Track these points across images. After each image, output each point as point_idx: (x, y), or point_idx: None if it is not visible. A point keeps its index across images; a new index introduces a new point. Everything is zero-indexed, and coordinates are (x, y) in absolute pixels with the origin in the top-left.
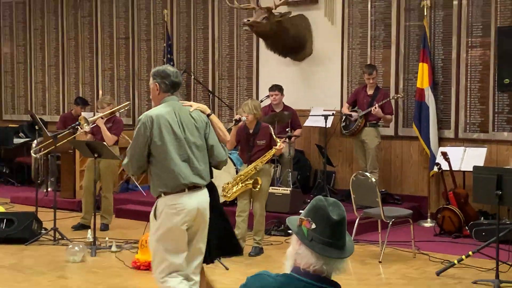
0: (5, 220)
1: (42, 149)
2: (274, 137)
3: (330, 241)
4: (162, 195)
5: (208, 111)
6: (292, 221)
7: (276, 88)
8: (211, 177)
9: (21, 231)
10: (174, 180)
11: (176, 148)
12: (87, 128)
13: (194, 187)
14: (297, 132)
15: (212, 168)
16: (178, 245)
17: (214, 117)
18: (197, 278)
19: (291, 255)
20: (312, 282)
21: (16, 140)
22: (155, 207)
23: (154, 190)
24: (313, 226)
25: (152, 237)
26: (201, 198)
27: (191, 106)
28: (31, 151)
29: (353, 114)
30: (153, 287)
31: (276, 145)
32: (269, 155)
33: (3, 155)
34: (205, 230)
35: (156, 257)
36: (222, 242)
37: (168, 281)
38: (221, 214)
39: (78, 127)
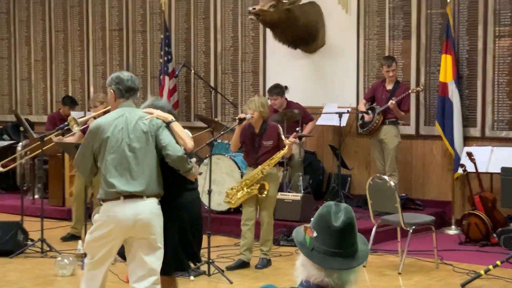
0: None
1: (28, 152)
2: (283, 137)
3: (333, 250)
4: (101, 202)
5: (169, 118)
6: (298, 230)
7: (275, 92)
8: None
9: (5, 243)
10: (109, 188)
11: (117, 157)
12: (77, 129)
13: (131, 196)
14: (309, 127)
15: (182, 174)
16: (100, 250)
17: (175, 125)
18: (145, 279)
19: (298, 266)
20: None
21: (0, 143)
22: (96, 212)
23: (99, 195)
24: (315, 234)
25: (87, 237)
26: (139, 209)
27: (152, 113)
28: (16, 155)
29: (366, 116)
30: None
31: (284, 147)
32: (277, 157)
33: None
34: (151, 241)
35: (87, 252)
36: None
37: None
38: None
39: (68, 127)
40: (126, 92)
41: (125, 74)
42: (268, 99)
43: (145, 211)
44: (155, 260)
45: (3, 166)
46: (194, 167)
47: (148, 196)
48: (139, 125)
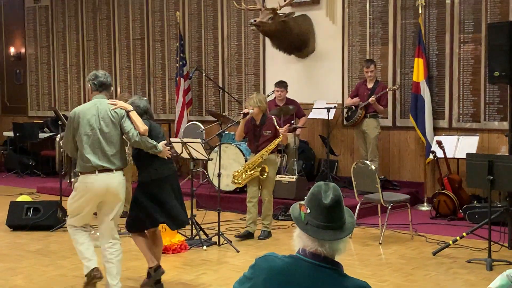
0: (32, 208)
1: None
2: (277, 127)
3: (324, 224)
4: (79, 173)
5: (129, 109)
6: (294, 207)
7: (282, 85)
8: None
9: (46, 219)
10: (86, 163)
11: (90, 137)
12: None
13: (103, 170)
14: (302, 120)
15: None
16: (82, 210)
17: (132, 113)
18: (106, 240)
19: (295, 238)
20: (315, 262)
21: (41, 135)
22: (75, 181)
23: (77, 168)
24: (308, 211)
25: (69, 200)
26: (111, 180)
27: (115, 104)
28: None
29: (355, 100)
30: (169, 269)
31: (280, 136)
32: (274, 144)
33: (30, 149)
34: (115, 204)
35: (70, 214)
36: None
37: (73, 231)
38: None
39: None
40: (99, 86)
41: (100, 72)
42: (272, 92)
43: (115, 181)
44: (117, 219)
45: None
46: (159, 148)
47: (116, 170)
48: (108, 114)
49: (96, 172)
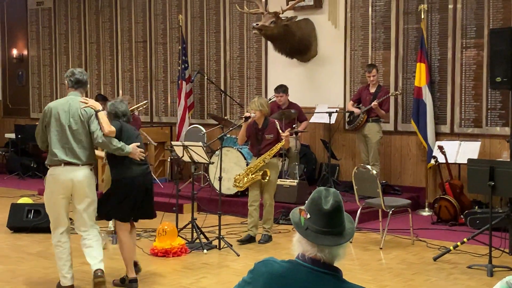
0: (32, 210)
1: None
2: (280, 131)
3: (324, 229)
4: (48, 166)
5: (98, 108)
6: (295, 212)
7: (281, 90)
8: (93, 159)
9: (47, 221)
10: (53, 157)
11: (59, 133)
12: None
13: (70, 164)
14: (304, 124)
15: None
16: (54, 205)
17: (100, 114)
18: (81, 229)
19: (294, 243)
20: (314, 268)
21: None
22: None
23: (46, 162)
24: (308, 216)
25: (44, 196)
26: (76, 173)
27: (86, 102)
28: None
29: (356, 110)
30: (169, 272)
31: (282, 140)
32: (276, 148)
33: (31, 151)
34: (83, 197)
35: (48, 211)
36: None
37: (55, 244)
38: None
39: None
40: (75, 83)
41: (77, 70)
42: (274, 96)
43: (80, 174)
44: (90, 211)
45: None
46: (127, 149)
47: (83, 165)
48: (78, 112)
49: (62, 165)
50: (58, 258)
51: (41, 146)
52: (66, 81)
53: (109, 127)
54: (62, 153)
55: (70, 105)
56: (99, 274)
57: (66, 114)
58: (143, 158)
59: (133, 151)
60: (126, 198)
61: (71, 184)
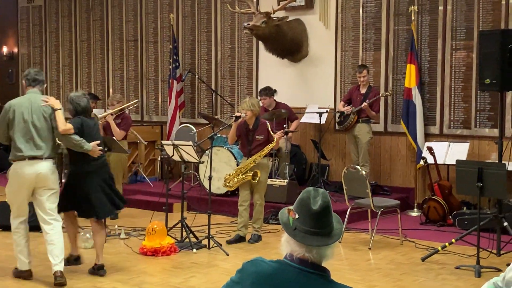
0: None
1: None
2: (271, 132)
3: (312, 230)
4: (12, 161)
5: (56, 107)
6: (283, 212)
7: (264, 93)
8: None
9: (36, 220)
10: (17, 152)
11: (22, 129)
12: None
13: (33, 158)
14: (295, 124)
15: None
16: (17, 197)
17: (58, 113)
18: (45, 223)
19: (283, 243)
20: (302, 268)
21: None
22: (9, 171)
23: (10, 156)
24: (297, 216)
25: (5, 190)
26: (40, 166)
27: (47, 100)
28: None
29: (346, 108)
30: (158, 271)
31: (273, 140)
32: (267, 149)
33: None
34: (46, 188)
35: (9, 202)
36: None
37: (14, 230)
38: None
39: None
40: (32, 81)
41: (34, 70)
42: (260, 100)
43: (44, 168)
44: (53, 202)
45: None
46: (87, 147)
47: (46, 159)
48: (40, 108)
49: (26, 159)
50: (16, 244)
51: (2, 140)
52: (23, 81)
53: (64, 126)
54: (26, 148)
55: (32, 102)
56: (58, 275)
57: (28, 111)
58: (99, 155)
59: (92, 149)
60: (82, 191)
61: (34, 177)
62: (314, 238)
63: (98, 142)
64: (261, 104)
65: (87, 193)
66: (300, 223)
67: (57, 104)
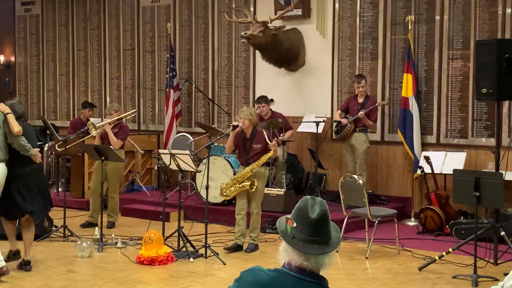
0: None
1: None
2: (268, 141)
3: (311, 238)
4: None
5: (6, 111)
6: (281, 221)
7: (262, 100)
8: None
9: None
10: None
11: None
12: (94, 132)
13: None
14: (289, 133)
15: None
16: None
17: (10, 116)
18: None
19: (281, 251)
20: (300, 276)
21: None
22: None
23: None
24: (295, 224)
25: None
26: None
27: None
28: (44, 153)
29: (343, 120)
30: (155, 280)
31: (270, 150)
32: (264, 158)
33: None
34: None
35: None
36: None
37: None
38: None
39: (87, 131)
40: None
41: None
42: (257, 108)
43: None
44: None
45: None
46: (31, 152)
47: (0, 161)
48: None
49: None
50: None
51: None
52: None
53: (17, 127)
54: None
55: None
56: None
57: None
58: (40, 161)
59: (35, 154)
60: (9, 193)
61: None
62: (312, 247)
63: (38, 149)
64: (257, 112)
65: (13, 193)
66: (298, 232)
67: (6, 108)
